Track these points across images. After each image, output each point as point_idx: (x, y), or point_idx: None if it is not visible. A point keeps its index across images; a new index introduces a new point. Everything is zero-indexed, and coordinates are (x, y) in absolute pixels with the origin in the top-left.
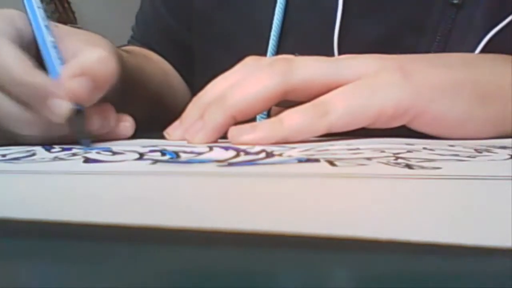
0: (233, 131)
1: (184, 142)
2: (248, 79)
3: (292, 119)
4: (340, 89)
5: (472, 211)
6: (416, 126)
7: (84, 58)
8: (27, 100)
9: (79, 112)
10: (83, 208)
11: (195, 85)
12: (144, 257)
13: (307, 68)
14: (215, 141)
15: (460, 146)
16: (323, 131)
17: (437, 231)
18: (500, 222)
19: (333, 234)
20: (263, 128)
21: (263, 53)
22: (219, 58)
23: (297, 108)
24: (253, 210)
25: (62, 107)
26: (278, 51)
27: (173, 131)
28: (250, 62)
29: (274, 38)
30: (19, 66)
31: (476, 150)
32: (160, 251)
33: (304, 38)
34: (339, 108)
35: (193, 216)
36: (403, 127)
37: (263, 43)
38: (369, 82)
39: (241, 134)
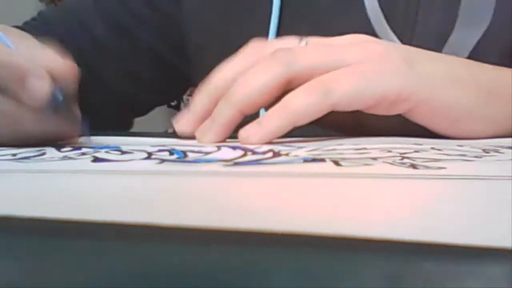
0: (242, 135)
1: (194, 142)
2: (251, 72)
3: (296, 102)
4: (345, 68)
5: (474, 211)
6: (415, 116)
7: (47, 62)
8: (3, 84)
9: (62, 103)
10: (89, 207)
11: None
12: (148, 256)
13: (308, 56)
14: (224, 140)
15: (468, 146)
16: (327, 109)
17: (439, 231)
18: (502, 223)
19: (336, 233)
20: (268, 122)
21: None
22: None
23: (299, 89)
24: (256, 209)
25: (41, 85)
26: None
27: (182, 119)
28: (252, 49)
29: None
30: None
31: (484, 150)
32: (163, 250)
33: None
34: (343, 86)
35: (197, 215)
36: (412, 126)
37: None
38: (374, 65)
39: (250, 136)
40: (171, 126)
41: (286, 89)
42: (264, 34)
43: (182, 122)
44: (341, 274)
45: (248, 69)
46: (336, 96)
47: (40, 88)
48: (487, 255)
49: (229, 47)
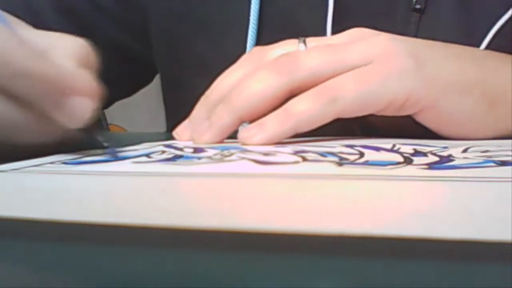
0: (242, 134)
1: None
2: (254, 79)
3: (300, 109)
4: (350, 73)
5: (476, 210)
6: (421, 118)
7: (70, 45)
8: (36, 99)
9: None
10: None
11: (168, 108)
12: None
13: (311, 62)
14: (222, 141)
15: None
16: (332, 117)
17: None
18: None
19: (336, 232)
20: (271, 126)
21: None
22: (192, 80)
23: (304, 96)
24: (257, 210)
25: (84, 106)
26: None
27: (183, 131)
28: (254, 55)
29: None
30: (25, 53)
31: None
32: (158, 252)
33: None
34: (349, 94)
35: (199, 216)
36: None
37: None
38: (380, 67)
39: (251, 136)
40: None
41: (289, 95)
42: (242, 45)
43: (183, 134)
44: (341, 274)
45: (250, 75)
46: (342, 104)
47: (83, 109)
48: (487, 255)
49: (195, 33)
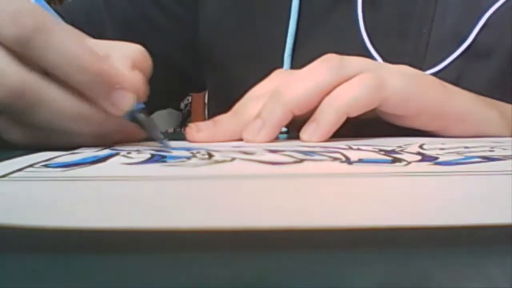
0: (303, 135)
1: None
2: (302, 76)
3: (349, 94)
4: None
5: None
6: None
7: (129, 51)
8: (89, 90)
9: (143, 110)
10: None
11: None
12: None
13: (358, 59)
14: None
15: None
16: (378, 102)
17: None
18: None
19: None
20: (325, 118)
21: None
22: (239, 71)
23: (351, 82)
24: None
25: (126, 99)
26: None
27: (203, 129)
28: (283, 71)
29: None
30: (85, 52)
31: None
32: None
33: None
34: (395, 82)
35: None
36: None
37: (279, 57)
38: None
39: (312, 134)
40: (171, 125)
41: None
42: (282, 36)
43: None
44: (342, 274)
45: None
46: (389, 90)
47: (125, 101)
48: (487, 255)
49: (244, 49)
